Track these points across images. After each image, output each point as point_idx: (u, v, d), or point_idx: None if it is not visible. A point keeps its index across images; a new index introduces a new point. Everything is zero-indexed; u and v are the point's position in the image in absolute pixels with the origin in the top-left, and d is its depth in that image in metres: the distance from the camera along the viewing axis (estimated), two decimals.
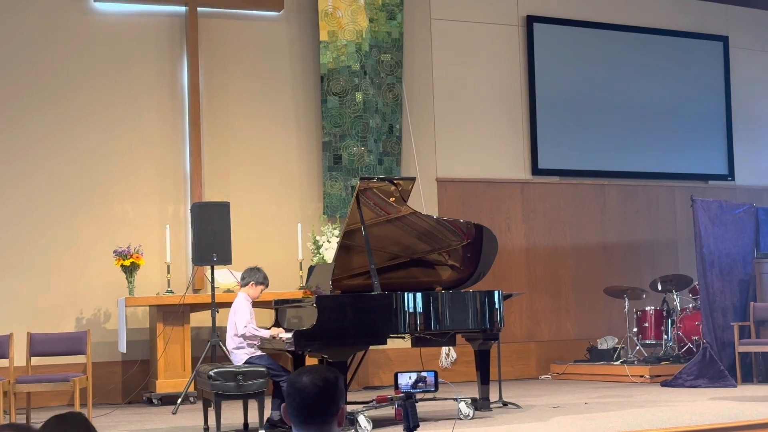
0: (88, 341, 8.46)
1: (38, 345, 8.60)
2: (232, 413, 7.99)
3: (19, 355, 8.51)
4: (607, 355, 11.43)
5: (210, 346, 9.20)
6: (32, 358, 8.60)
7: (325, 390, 2.93)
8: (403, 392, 3.89)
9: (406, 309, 7.46)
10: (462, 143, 12.24)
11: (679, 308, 11.22)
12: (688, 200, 10.69)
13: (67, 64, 10.66)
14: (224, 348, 8.55)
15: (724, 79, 13.80)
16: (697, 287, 10.81)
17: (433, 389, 3.96)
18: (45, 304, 10.26)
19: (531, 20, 12.69)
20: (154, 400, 9.85)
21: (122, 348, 9.94)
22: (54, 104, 10.56)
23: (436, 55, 12.23)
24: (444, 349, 11.43)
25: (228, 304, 8.17)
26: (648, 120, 13.27)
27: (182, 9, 11.04)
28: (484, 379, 8.17)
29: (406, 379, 3.91)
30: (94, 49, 10.76)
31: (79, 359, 8.91)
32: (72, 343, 8.66)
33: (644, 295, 11.56)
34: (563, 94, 12.81)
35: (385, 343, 7.72)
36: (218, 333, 9.24)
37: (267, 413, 7.40)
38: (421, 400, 7.78)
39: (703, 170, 13.61)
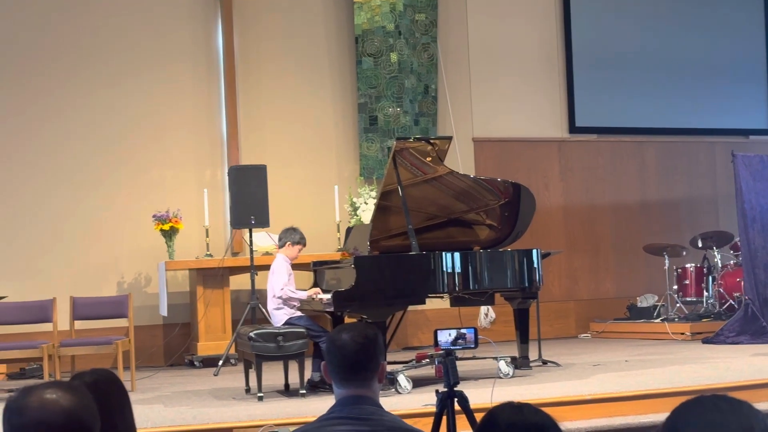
0: (129, 305, 8.53)
1: (81, 309, 8.69)
2: (273, 374, 8.05)
3: (62, 319, 8.61)
4: (647, 313, 11.37)
5: (249, 308, 9.26)
6: (75, 322, 8.70)
7: (366, 346, 2.94)
8: (443, 349, 3.89)
9: (445, 269, 7.45)
10: (498, 102, 12.16)
11: (720, 265, 11.12)
12: (729, 155, 10.54)
13: (102, 28, 10.68)
14: (264, 310, 8.60)
15: (765, 33, 13.56)
16: (739, 243, 10.70)
17: (473, 346, 3.96)
18: (87, 268, 10.38)
19: None
20: (195, 363, 9.96)
21: (163, 311, 10.04)
22: (89, 69, 10.60)
23: (470, 13, 12.12)
24: (483, 309, 11.42)
25: (266, 267, 8.20)
26: (687, 75, 13.09)
27: None
28: (523, 338, 8.16)
29: (445, 336, 3.91)
30: (130, 12, 10.78)
31: (121, 323, 9.00)
32: (114, 307, 8.74)
33: (684, 252, 11.47)
34: (600, 51, 12.65)
35: (423, 303, 7.73)
36: (258, 295, 9.29)
37: (307, 374, 7.45)
38: (461, 358, 7.79)
39: (743, 125, 13.42)
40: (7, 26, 10.34)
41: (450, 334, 3.90)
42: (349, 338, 2.95)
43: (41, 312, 8.43)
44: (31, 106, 10.41)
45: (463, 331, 3.91)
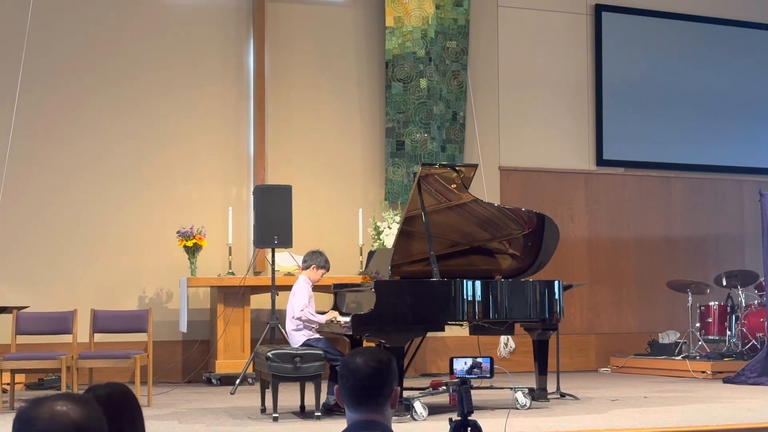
0: (149, 320, 8.56)
1: (101, 322, 8.72)
2: (290, 395, 8.04)
3: (82, 331, 8.64)
4: (669, 350, 11.27)
5: (269, 328, 9.26)
6: (95, 334, 8.73)
7: (379, 371, 2.92)
8: (458, 377, 3.87)
9: (465, 296, 7.42)
10: (526, 132, 12.15)
11: (744, 304, 11.02)
12: (757, 194, 10.47)
13: (135, 47, 10.78)
14: (283, 330, 8.59)
15: None
16: (763, 283, 10.61)
17: (488, 375, 3.94)
18: (109, 282, 10.43)
19: (599, 9, 12.54)
20: (213, 380, 9.96)
21: (183, 328, 10.06)
22: (121, 87, 10.70)
23: (502, 43, 12.15)
24: (503, 339, 11.37)
25: (288, 287, 8.20)
26: (716, 112, 13.03)
27: None
28: (542, 370, 8.11)
29: (461, 365, 3.89)
30: (162, 32, 10.88)
31: (140, 337, 9.01)
32: (134, 321, 8.76)
33: (708, 290, 11.37)
34: (630, 84, 12.64)
35: (442, 330, 7.69)
36: (278, 315, 9.29)
37: (323, 397, 7.42)
38: (478, 388, 7.75)
39: None
40: (43, 48, 10.44)
41: (465, 363, 3.88)
42: (362, 362, 2.94)
43: (62, 323, 8.47)
44: (62, 123, 10.50)
45: (478, 360, 3.89)
